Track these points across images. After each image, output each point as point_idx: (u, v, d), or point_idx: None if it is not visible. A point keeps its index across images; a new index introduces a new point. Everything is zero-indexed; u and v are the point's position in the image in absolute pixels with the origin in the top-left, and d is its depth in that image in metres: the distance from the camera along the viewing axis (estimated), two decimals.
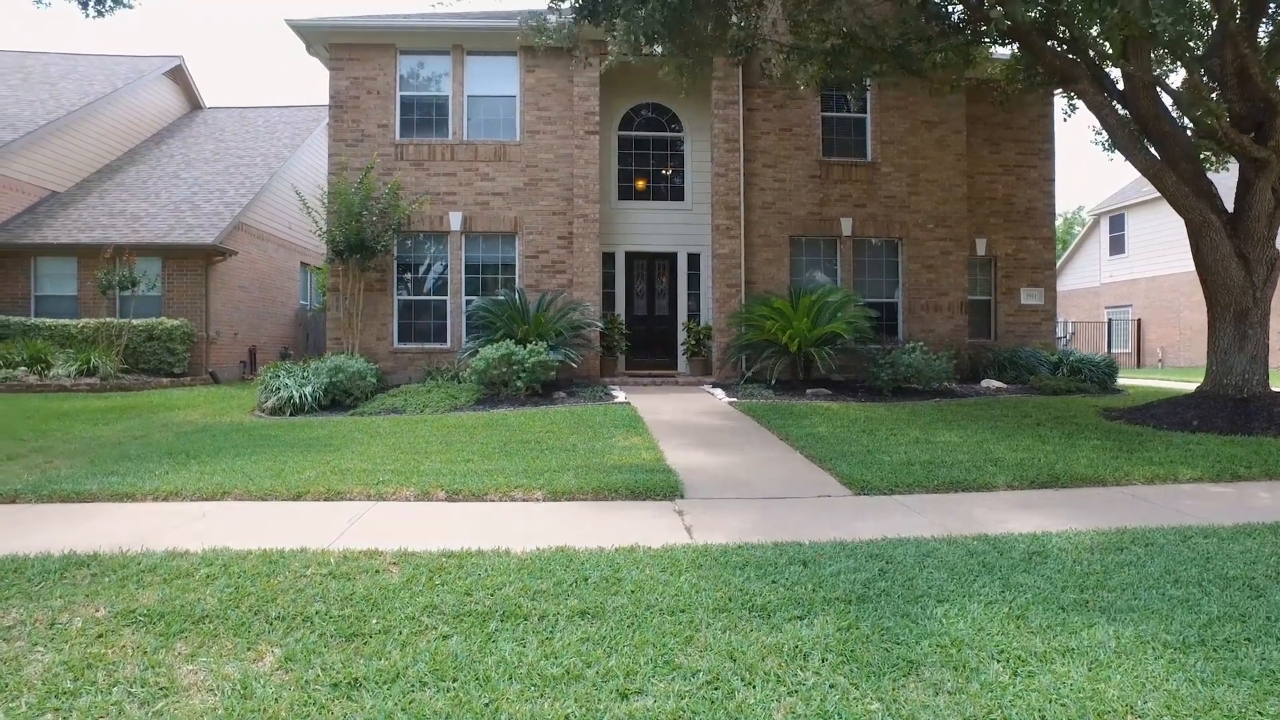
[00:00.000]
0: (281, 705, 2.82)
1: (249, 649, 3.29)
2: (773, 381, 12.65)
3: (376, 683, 2.99)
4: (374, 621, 3.55)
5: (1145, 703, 2.86)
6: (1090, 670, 3.11)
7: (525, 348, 11.50)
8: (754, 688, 2.96)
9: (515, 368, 11.27)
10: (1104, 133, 14.20)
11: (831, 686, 2.97)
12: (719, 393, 12.54)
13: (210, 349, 17.78)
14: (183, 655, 3.24)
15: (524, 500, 6.12)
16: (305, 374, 11.89)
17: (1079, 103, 12.51)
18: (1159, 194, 27.22)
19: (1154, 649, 3.29)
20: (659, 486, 6.28)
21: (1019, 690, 2.94)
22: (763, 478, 6.95)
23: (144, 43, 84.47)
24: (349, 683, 2.99)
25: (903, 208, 15.17)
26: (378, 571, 4.29)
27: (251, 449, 8.00)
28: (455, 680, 3.01)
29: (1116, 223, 31.91)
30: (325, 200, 13.91)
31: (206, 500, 6.04)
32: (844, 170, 15.07)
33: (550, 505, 5.98)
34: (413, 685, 2.97)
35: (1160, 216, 29.01)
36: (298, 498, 6.10)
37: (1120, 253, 31.67)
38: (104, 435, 9.11)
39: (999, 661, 3.17)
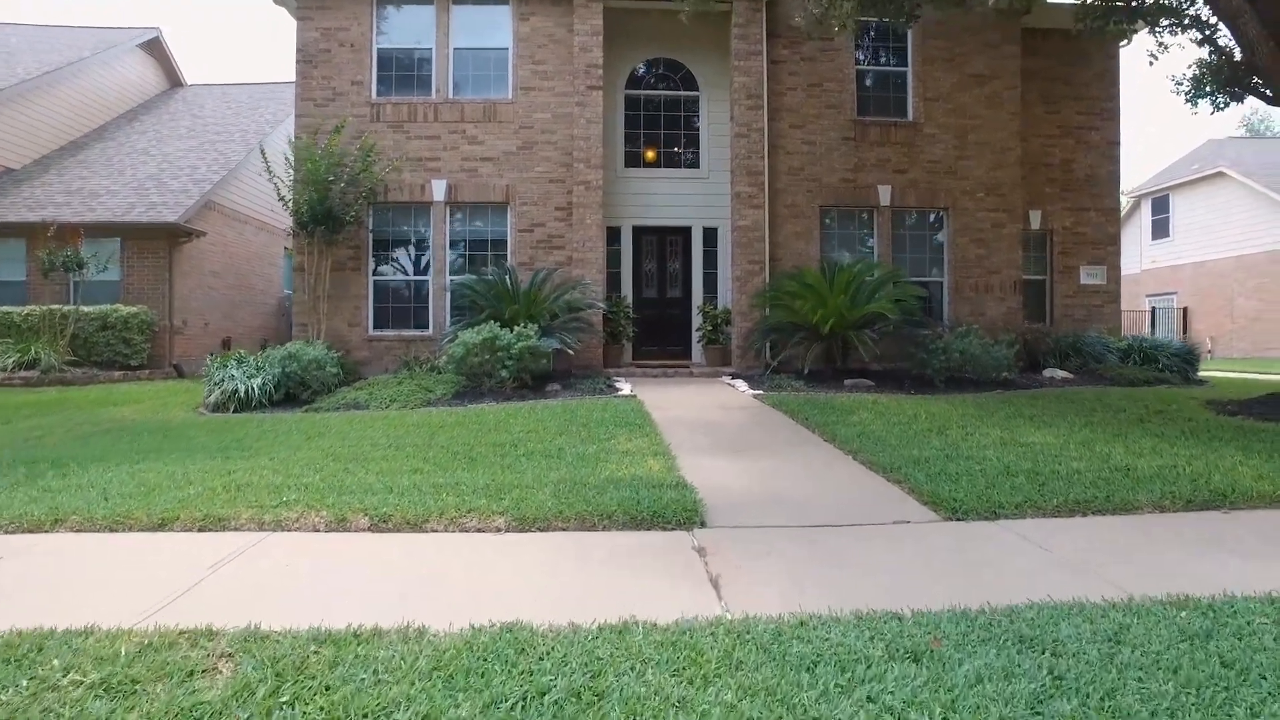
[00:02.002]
0: None
1: None
2: (804, 371, 10.80)
3: None
4: None
5: None
6: None
7: (512, 331, 9.72)
8: None
9: (500, 355, 9.49)
10: (1184, 83, 12.33)
11: None
12: (740, 384, 10.71)
13: (175, 339, 16.10)
14: None
15: (479, 530, 4.33)
16: (259, 364, 10.17)
17: (1174, 39, 10.57)
18: (1210, 172, 25.16)
19: None
20: (671, 510, 4.48)
21: None
22: (812, 493, 5.13)
23: (137, 21, 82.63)
24: None
25: (949, 174, 13.27)
26: (192, 674, 2.52)
27: (149, 455, 6.26)
28: None
29: (1160, 205, 29.76)
30: (292, 166, 12.15)
31: (29, 532, 4.29)
32: (881, 131, 13.18)
33: (515, 539, 4.19)
34: None
35: (1211, 196, 26.95)
36: (160, 526, 4.34)
37: (1164, 236, 29.53)
38: None
39: None
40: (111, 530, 4.30)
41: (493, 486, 4.97)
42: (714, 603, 3.24)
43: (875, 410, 8.07)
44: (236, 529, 4.34)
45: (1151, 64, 11.05)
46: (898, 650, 2.66)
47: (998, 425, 7.21)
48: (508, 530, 4.34)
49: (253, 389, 9.66)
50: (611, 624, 2.91)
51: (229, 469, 5.55)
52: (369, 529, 4.36)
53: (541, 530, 4.34)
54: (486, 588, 3.44)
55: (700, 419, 7.92)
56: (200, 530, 4.32)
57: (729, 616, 3.04)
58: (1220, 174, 26.29)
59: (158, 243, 15.77)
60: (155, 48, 22.25)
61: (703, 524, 4.42)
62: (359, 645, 2.76)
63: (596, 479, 5.14)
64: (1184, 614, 2.94)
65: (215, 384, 9.88)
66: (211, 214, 17.36)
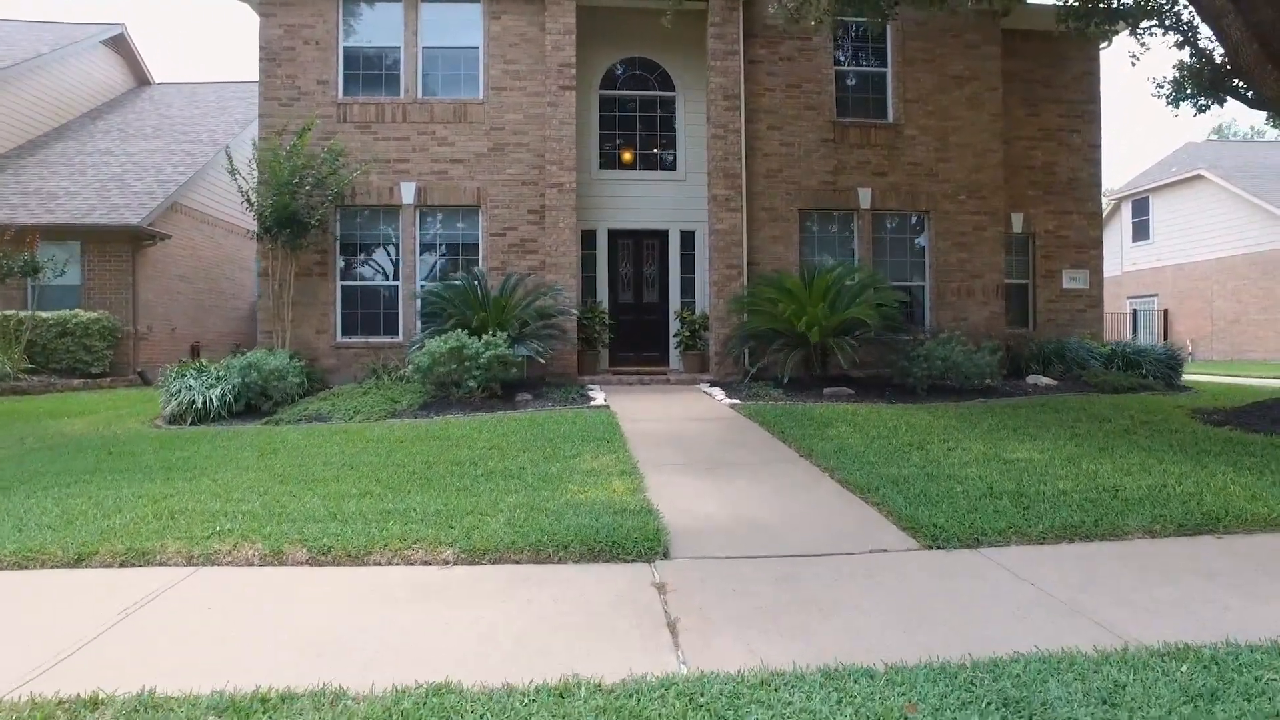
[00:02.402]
0: None
1: None
2: (783, 379, 10.52)
3: None
4: None
5: None
6: None
7: (480, 339, 9.38)
8: None
9: (467, 364, 9.15)
10: (1165, 85, 12.20)
11: None
12: (718, 393, 10.43)
13: (139, 345, 15.63)
14: None
15: (425, 563, 4.01)
16: (220, 374, 9.77)
17: (1157, 40, 10.40)
18: (1189, 175, 25.18)
19: None
20: (632, 539, 4.18)
21: None
22: (785, 518, 4.84)
23: (103, 17, 79.53)
24: None
25: (930, 176, 13.06)
26: None
27: (84, 476, 5.88)
28: None
29: (1140, 207, 29.81)
30: (258, 169, 11.73)
31: None
32: (861, 133, 12.95)
33: (462, 574, 3.87)
34: None
35: (1190, 199, 27.00)
36: (77, 562, 3.99)
37: (1144, 239, 29.57)
38: None
39: None
40: (21, 568, 3.95)
41: (445, 513, 4.65)
42: (669, 654, 2.94)
43: (854, 423, 7.80)
44: (162, 563, 3.99)
45: (1134, 65, 10.90)
46: (868, 717, 2.37)
47: (981, 439, 6.96)
48: (456, 563, 4.02)
49: (211, 400, 9.27)
50: (551, 685, 2.60)
51: (166, 493, 5.19)
52: (307, 562, 4.03)
53: (493, 562, 4.02)
54: (423, 636, 3.12)
55: (673, 432, 7.63)
56: (121, 566, 3.97)
57: (684, 672, 2.74)
58: (1199, 177, 26.35)
59: (120, 246, 15.29)
60: (120, 44, 21.69)
61: (666, 555, 4.12)
62: (265, 714, 2.44)
63: (555, 503, 4.83)
64: (1185, 668, 2.68)
65: (172, 395, 9.48)
66: (178, 216, 16.90)
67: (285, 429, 8.26)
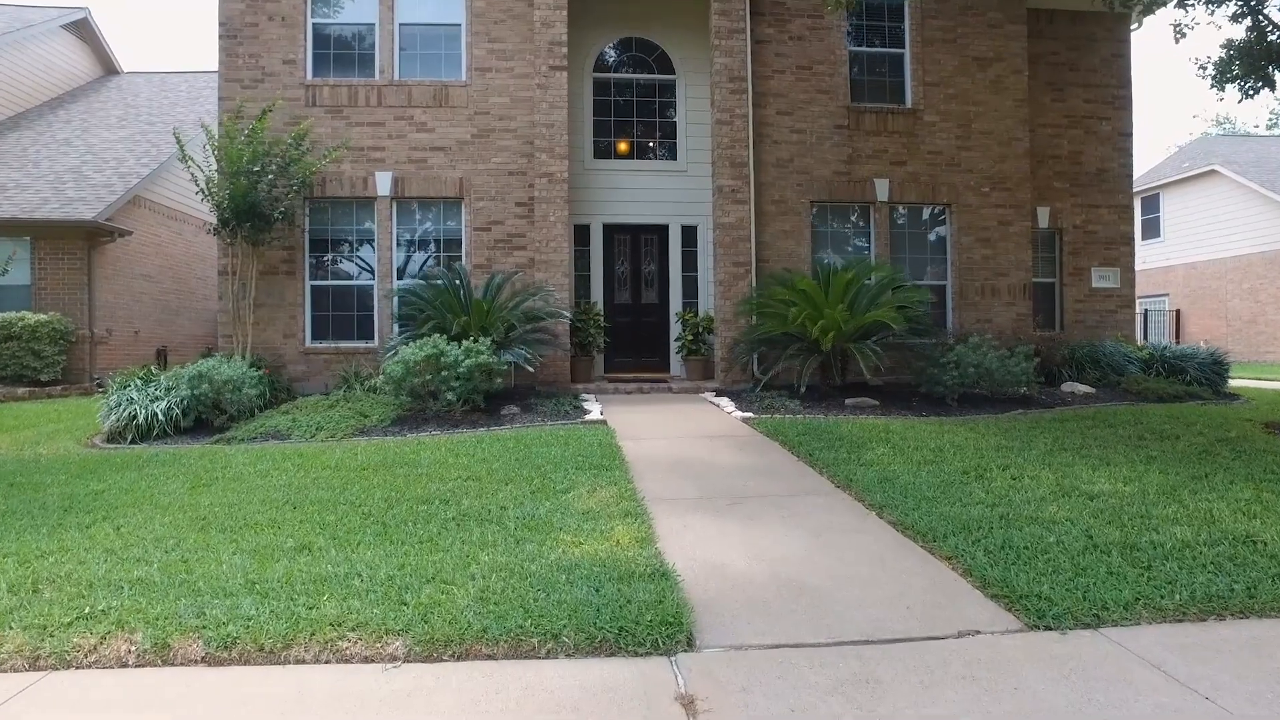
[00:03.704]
0: None
1: None
2: (800, 389, 9.46)
3: None
4: None
5: None
6: None
7: (461, 346, 8.30)
8: None
9: (445, 374, 8.06)
10: (1208, 66, 11.21)
11: None
12: (727, 404, 9.39)
13: (97, 350, 14.47)
14: None
15: (365, 659, 2.95)
16: (170, 384, 8.67)
17: (1210, 16, 9.40)
18: (1202, 170, 24.27)
19: None
20: (645, 621, 3.13)
21: None
22: (837, 579, 3.79)
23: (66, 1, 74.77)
24: None
25: (951, 166, 12.04)
26: None
27: None
28: None
29: (1150, 204, 28.89)
30: (216, 155, 10.61)
31: None
32: (878, 119, 11.92)
33: (413, 681, 2.81)
34: None
35: (1204, 195, 26.10)
36: None
37: (1155, 237, 28.65)
38: None
39: None
40: None
41: (399, 579, 3.58)
42: None
43: (890, 442, 6.76)
44: None
45: (1178, 41, 9.91)
46: None
47: (1044, 463, 5.92)
48: (408, 659, 2.96)
49: (154, 415, 8.17)
50: None
51: (45, 549, 4.10)
52: (203, 660, 2.96)
53: (457, 657, 2.97)
54: None
55: (682, 455, 6.57)
56: None
57: None
58: (1213, 172, 25.44)
59: (74, 243, 14.13)
60: (84, 29, 20.46)
61: (690, 643, 3.07)
62: None
63: (543, 563, 3.77)
64: None
65: (112, 408, 8.38)
66: (141, 211, 15.75)
67: (235, 450, 7.17)
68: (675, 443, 7.08)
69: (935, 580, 3.75)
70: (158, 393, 8.53)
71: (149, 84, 21.30)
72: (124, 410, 8.20)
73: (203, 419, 8.56)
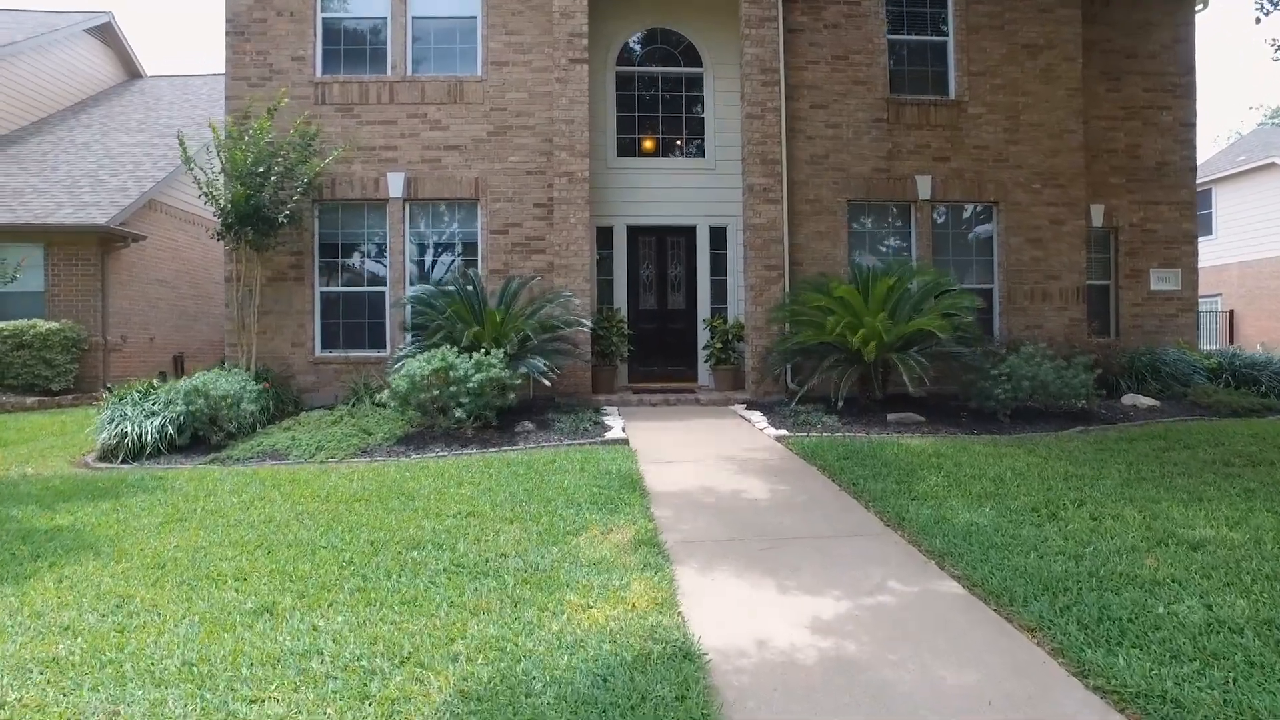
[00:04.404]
0: None
1: None
2: (839, 403, 8.73)
3: None
4: None
5: None
6: None
7: (471, 357, 7.71)
8: None
9: (454, 389, 7.48)
10: None
11: None
12: (758, 419, 8.70)
13: (110, 357, 14.14)
14: None
15: None
16: (169, 397, 8.19)
17: None
18: (1261, 163, 23.03)
19: None
20: None
21: None
22: (903, 663, 3.10)
23: (92, 6, 74.17)
24: None
25: (999, 161, 11.23)
26: None
27: None
28: None
29: (1203, 199, 27.44)
30: (220, 157, 10.15)
31: None
32: (919, 112, 11.14)
33: None
34: None
35: (1261, 189, 24.81)
36: None
37: (1207, 234, 27.21)
38: None
39: None
40: None
41: (368, 658, 2.97)
42: None
43: (942, 468, 6.04)
44: None
45: (1259, 21, 9.03)
46: None
47: (1123, 496, 5.17)
48: None
49: (148, 432, 7.69)
50: None
51: None
52: None
53: None
54: None
55: (710, 483, 5.91)
56: None
57: None
58: (1272, 165, 24.16)
59: (88, 248, 13.81)
60: (108, 34, 20.29)
61: None
62: None
63: (542, 638, 3.13)
64: None
65: (106, 424, 7.92)
66: (156, 215, 15.43)
67: (226, 472, 6.65)
68: (702, 468, 6.42)
69: (1019, 662, 3.05)
70: (154, 407, 8.06)
71: (171, 87, 21.09)
72: (116, 426, 7.73)
73: (200, 435, 8.07)
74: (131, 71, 21.68)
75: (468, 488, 5.61)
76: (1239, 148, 27.10)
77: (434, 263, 10.81)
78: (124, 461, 7.53)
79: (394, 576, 3.87)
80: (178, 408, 7.91)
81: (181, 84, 21.33)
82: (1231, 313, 26.27)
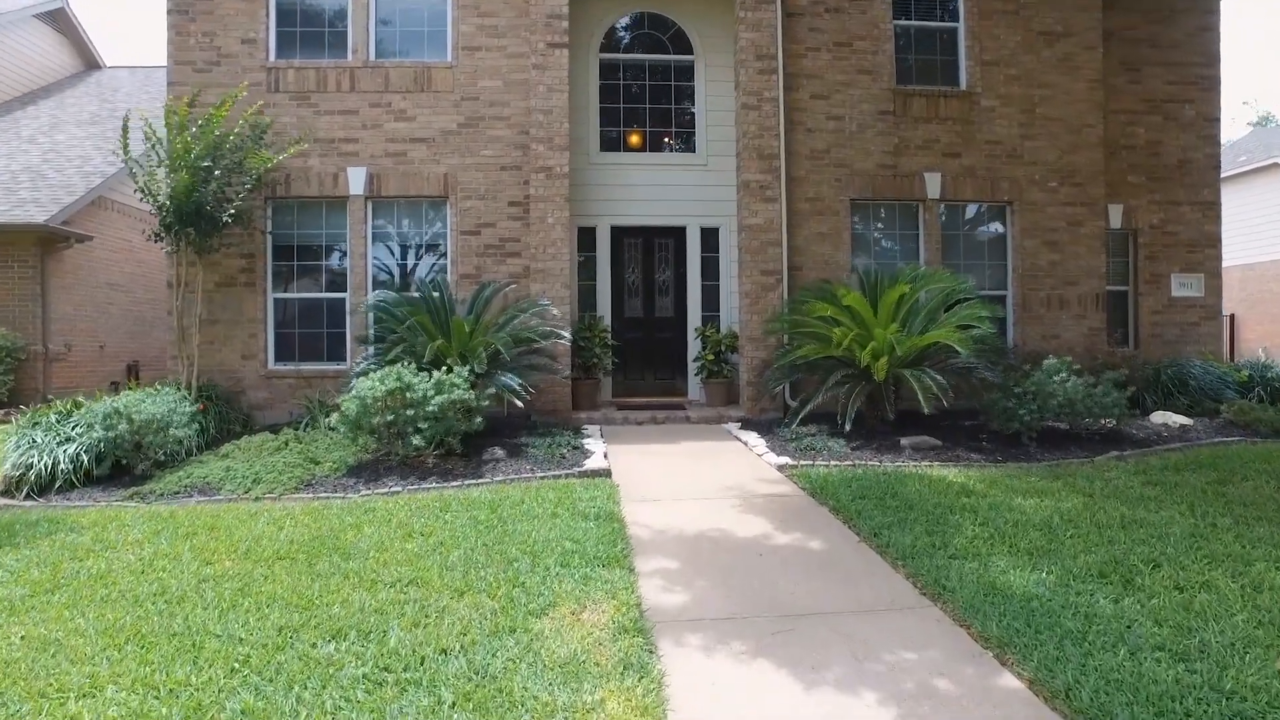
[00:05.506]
0: None
1: None
2: (845, 425, 7.82)
3: None
4: None
5: None
6: None
7: (432, 376, 6.76)
8: None
9: (411, 412, 6.53)
10: None
11: None
12: (756, 442, 7.80)
13: (53, 368, 13.08)
14: None
15: None
16: (88, 421, 7.18)
17: None
18: (1263, 164, 22.38)
19: None
20: None
21: None
22: None
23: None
24: None
25: (1012, 157, 10.39)
26: None
27: None
28: None
29: None
30: (160, 149, 9.13)
31: None
32: (928, 104, 10.28)
33: None
34: None
35: (1262, 191, 24.19)
36: None
37: None
38: None
39: None
40: None
41: None
42: None
43: (978, 511, 5.15)
44: None
45: None
46: None
47: (1204, 553, 4.30)
48: None
49: (58, 462, 6.70)
50: None
51: None
52: None
53: None
54: None
55: (705, 530, 4.99)
56: None
57: None
58: (1274, 165, 23.54)
59: (25, 249, 12.72)
60: (61, 20, 19.14)
61: None
62: None
63: None
64: None
65: (12, 451, 6.91)
66: (107, 213, 14.35)
67: (140, 513, 5.68)
68: (696, 508, 5.50)
69: None
70: (72, 432, 7.07)
71: (132, 78, 19.94)
72: (22, 455, 6.73)
73: (124, 464, 7.08)
74: (89, 61, 20.52)
75: (415, 540, 4.67)
76: (1239, 148, 26.49)
77: (399, 266, 9.85)
78: (28, 497, 6.53)
79: (296, 688, 2.93)
80: (95, 433, 6.91)
81: (144, 75, 20.17)
82: (1233, 317, 25.59)
